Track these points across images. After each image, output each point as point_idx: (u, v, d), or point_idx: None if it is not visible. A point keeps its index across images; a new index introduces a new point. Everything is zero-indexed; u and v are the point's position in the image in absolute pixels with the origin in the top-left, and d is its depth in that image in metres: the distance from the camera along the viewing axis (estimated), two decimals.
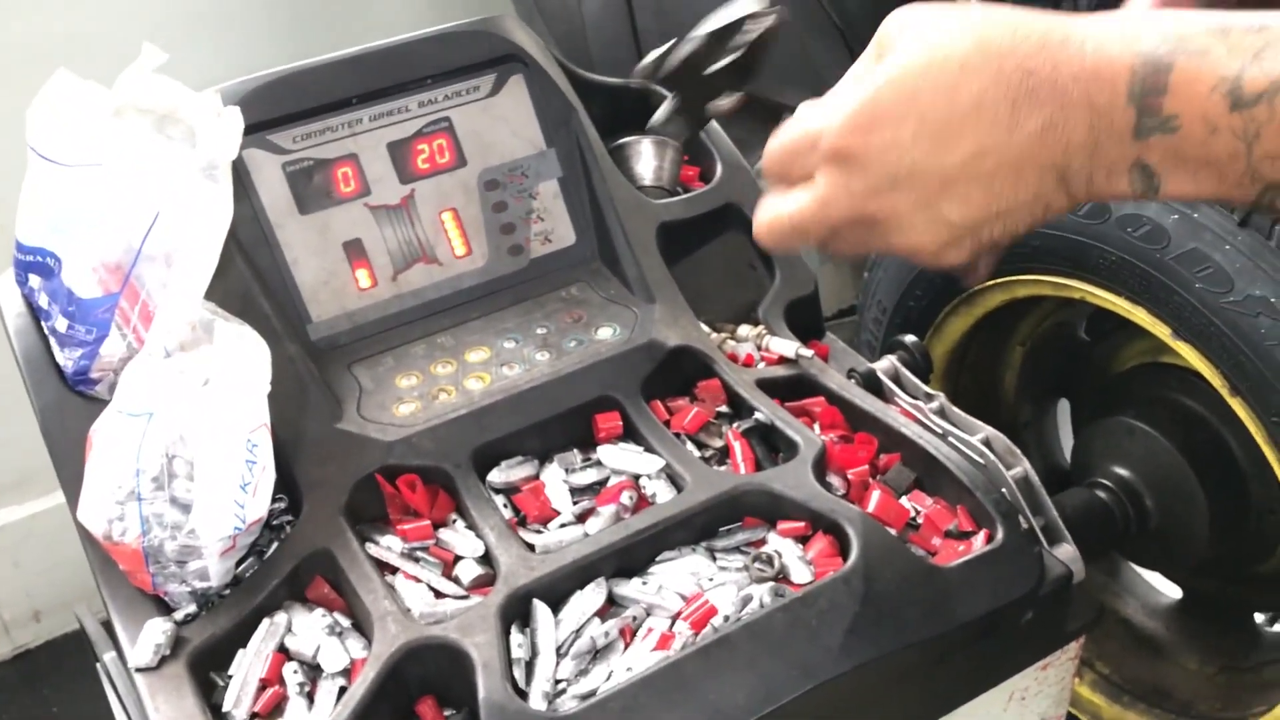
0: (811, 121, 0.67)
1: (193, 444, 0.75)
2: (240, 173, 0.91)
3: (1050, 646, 0.90)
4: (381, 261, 0.96)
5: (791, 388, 0.96)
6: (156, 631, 0.75)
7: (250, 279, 0.90)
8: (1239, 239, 0.99)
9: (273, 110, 0.93)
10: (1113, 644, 1.42)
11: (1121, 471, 1.23)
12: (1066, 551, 0.88)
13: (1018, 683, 0.90)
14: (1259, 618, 1.40)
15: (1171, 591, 1.47)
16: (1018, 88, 0.58)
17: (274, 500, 0.82)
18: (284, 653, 0.77)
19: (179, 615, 0.78)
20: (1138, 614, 1.45)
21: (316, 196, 0.94)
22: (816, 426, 0.92)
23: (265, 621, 0.78)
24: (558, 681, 0.73)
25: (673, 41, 0.78)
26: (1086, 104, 0.57)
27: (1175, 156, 0.56)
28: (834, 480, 0.88)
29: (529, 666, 0.74)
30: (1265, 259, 0.97)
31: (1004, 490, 0.87)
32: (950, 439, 0.91)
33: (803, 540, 0.82)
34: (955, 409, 0.95)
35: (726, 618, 0.76)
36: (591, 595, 0.78)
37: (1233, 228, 0.98)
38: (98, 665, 0.90)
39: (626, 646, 0.76)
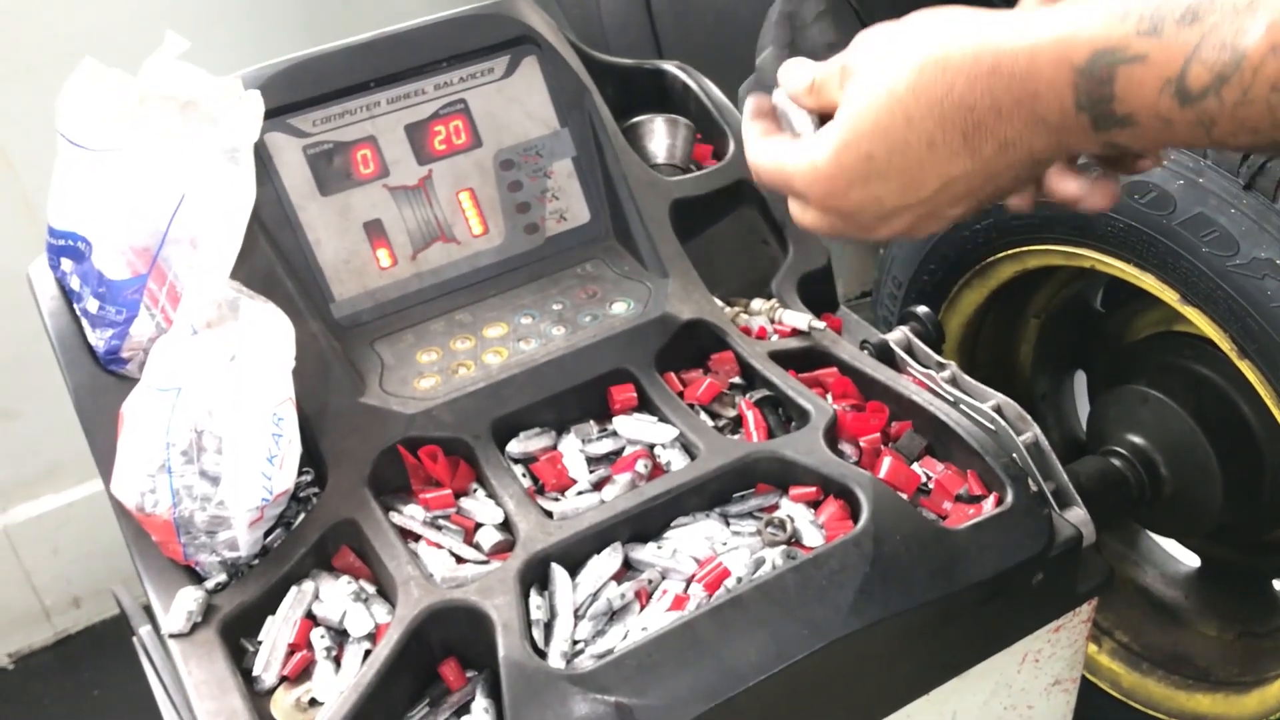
0: (789, 172, 0.70)
1: (220, 418, 0.78)
2: (262, 156, 0.93)
3: (1061, 608, 0.91)
4: (401, 241, 0.98)
5: (804, 359, 0.97)
6: (189, 599, 0.78)
7: (274, 259, 0.92)
8: (1244, 202, 0.99)
9: (293, 94, 0.95)
10: (1132, 612, 1.42)
11: (1135, 439, 1.23)
12: (1077, 515, 0.89)
13: (1030, 644, 0.92)
14: (1277, 584, 1.41)
15: (1190, 559, 1.48)
16: (963, 124, 0.61)
17: (300, 473, 0.85)
18: (311, 619, 0.79)
19: (210, 584, 0.80)
20: (1156, 582, 1.45)
21: (337, 178, 0.96)
22: (829, 396, 0.94)
23: (293, 589, 0.80)
24: (575, 642, 0.75)
25: None
26: (1037, 120, 0.59)
27: (1140, 139, 0.58)
28: (846, 448, 0.89)
29: (548, 628, 0.76)
30: (1270, 221, 0.97)
31: (1014, 455, 0.88)
32: (961, 406, 0.92)
33: (814, 505, 0.83)
34: (967, 377, 0.96)
35: (739, 579, 0.78)
36: (608, 559, 0.80)
37: (1238, 191, 0.99)
38: (134, 639, 0.93)
39: (642, 608, 0.78)
